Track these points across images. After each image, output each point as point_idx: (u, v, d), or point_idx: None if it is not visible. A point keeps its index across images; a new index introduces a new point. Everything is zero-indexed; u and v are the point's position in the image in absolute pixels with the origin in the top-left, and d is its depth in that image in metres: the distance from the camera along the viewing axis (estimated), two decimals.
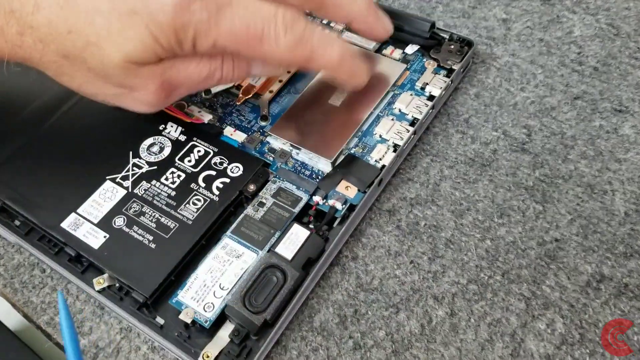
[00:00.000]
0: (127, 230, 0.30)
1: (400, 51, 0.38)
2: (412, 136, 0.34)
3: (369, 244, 0.31)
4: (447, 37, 0.38)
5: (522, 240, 0.31)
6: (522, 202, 0.33)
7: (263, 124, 0.36)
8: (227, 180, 0.32)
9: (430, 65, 0.37)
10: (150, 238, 0.30)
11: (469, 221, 0.32)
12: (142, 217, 0.31)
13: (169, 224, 0.31)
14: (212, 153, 0.33)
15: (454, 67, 0.36)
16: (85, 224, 0.31)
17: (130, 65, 0.26)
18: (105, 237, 0.30)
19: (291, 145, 0.34)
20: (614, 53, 0.39)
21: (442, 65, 0.37)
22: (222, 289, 0.28)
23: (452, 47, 0.37)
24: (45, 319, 0.30)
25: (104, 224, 0.31)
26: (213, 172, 0.32)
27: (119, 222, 0.31)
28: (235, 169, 0.33)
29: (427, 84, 0.36)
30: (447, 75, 0.36)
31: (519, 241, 0.31)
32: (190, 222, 0.31)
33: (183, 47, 0.26)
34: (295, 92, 0.37)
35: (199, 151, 0.34)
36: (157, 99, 0.28)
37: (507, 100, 0.37)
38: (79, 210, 0.31)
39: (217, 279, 0.29)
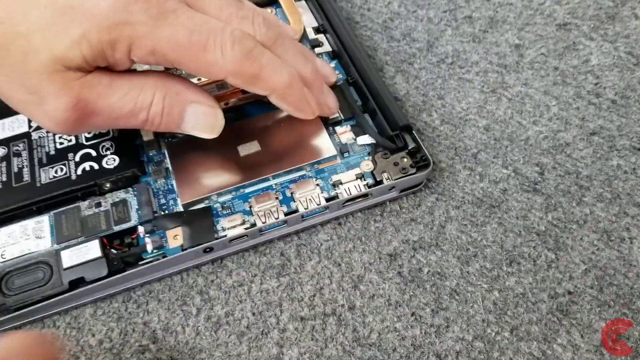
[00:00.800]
0: None
1: (352, 136, 0.33)
2: (283, 225, 0.31)
3: (368, 292, 0.29)
4: (411, 148, 0.32)
5: (532, 292, 0.29)
6: (533, 248, 0.30)
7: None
8: (96, 167, 0.31)
9: (367, 167, 0.32)
10: (4, 179, 0.31)
11: (476, 269, 0.30)
12: (17, 157, 0.32)
13: (24, 176, 0.31)
14: (110, 135, 0.33)
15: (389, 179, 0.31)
16: None
17: (52, 65, 0.24)
18: None
19: (168, 169, 0.32)
20: (634, 85, 0.36)
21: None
22: (1, 256, 0.28)
23: (405, 160, 0.32)
24: None
25: None
26: (93, 153, 0.32)
27: (0, 152, 0.32)
28: (111, 161, 0.32)
29: (341, 182, 0.31)
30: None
31: (529, 293, 0.29)
32: (37, 185, 0.31)
33: (115, 52, 0.24)
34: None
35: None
36: (66, 119, 0.25)
37: (519, 135, 0.34)
38: None
39: (7, 245, 0.29)
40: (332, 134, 0.33)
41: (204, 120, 0.28)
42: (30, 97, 0.25)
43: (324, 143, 0.32)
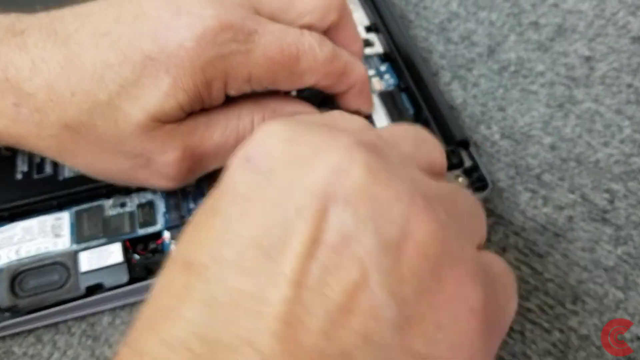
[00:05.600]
0: (20, 150, 0.28)
1: None
2: None
3: None
4: (468, 167, 0.29)
5: (597, 336, 0.26)
6: (600, 286, 0.27)
7: None
8: None
9: None
10: (25, 169, 0.28)
11: (536, 305, 0.27)
12: None
13: (46, 167, 0.28)
14: None
15: None
16: None
17: (149, 123, 0.22)
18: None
19: None
20: None
21: None
22: (16, 253, 0.26)
23: (461, 180, 0.29)
24: None
25: None
26: None
27: None
28: None
29: None
30: None
31: (593, 336, 0.26)
32: (60, 178, 0.28)
33: (212, 91, 0.23)
34: None
35: None
36: (178, 172, 0.24)
37: (588, 156, 0.31)
38: None
39: (23, 241, 0.26)
40: None
41: None
42: (133, 163, 0.24)
43: None
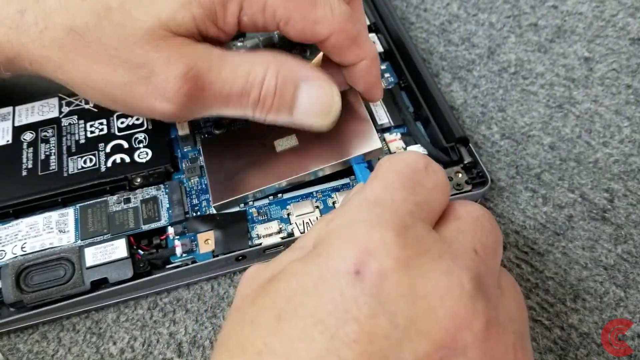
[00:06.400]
0: (25, 147, 0.29)
1: (402, 145, 0.31)
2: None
3: None
4: (467, 163, 0.29)
5: (597, 333, 0.26)
6: (600, 284, 0.27)
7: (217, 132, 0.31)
8: (128, 160, 0.29)
9: None
10: (30, 166, 0.29)
11: (536, 302, 0.27)
12: (44, 144, 0.30)
13: (51, 164, 0.29)
14: (144, 127, 0.30)
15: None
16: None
17: (158, 31, 0.22)
18: (8, 141, 0.30)
19: (202, 167, 0.30)
20: None
21: None
22: (22, 249, 0.26)
23: (460, 175, 0.29)
24: None
25: (16, 132, 0.30)
26: (125, 145, 0.30)
27: (28, 136, 0.30)
28: (143, 155, 0.29)
29: None
30: None
31: (594, 334, 0.26)
32: (64, 174, 0.28)
33: (227, 12, 0.22)
34: None
35: (137, 119, 0.31)
36: (177, 91, 0.22)
37: (587, 156, 0.31)
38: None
39: (28, 237, 0.27)
40: (380, 140, 0.30)
41: (318, 100, 0.25)
42: (135, 74, 0.22)
43: (368, 135, 0.28)
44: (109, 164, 0.29)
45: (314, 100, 0.25)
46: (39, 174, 0.28)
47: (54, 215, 0.27)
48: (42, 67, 0.24)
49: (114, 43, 0.22)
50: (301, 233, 0.27)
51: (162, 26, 0.22)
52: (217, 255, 0.27)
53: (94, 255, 0.26)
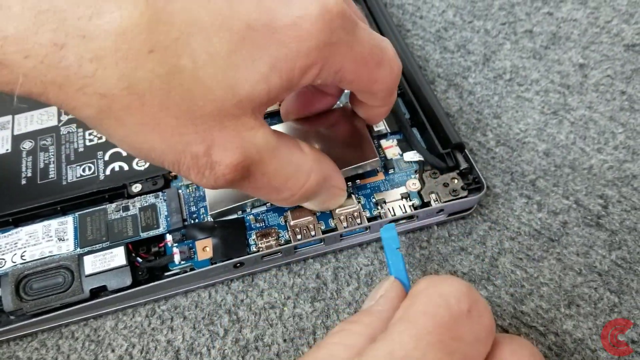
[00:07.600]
0: (24, 155, 0.30)
1: (398, 151, 0.31)
2: (320, 243, 0.28)
3: None
4: (463, 169, 0.30)
5: (592, 339, 0.26)
6: (594, 290, 0.27)
7: None
8: (126, 168, 0.30)
9: (413, 186, 0.29)
10: (29, 174, 0.29)
11: (531, 309, 0.27)
12: (43, 152, 0.30)
13: (50, 172, 0.29)
14: None
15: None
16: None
17: (232, 109, 0.19)
18: (7, 150, 0.30)
19: None
20: None
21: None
22: (21, 257, 0.27)
23: (456, 182, 0.29)
24: None
25: (15, 140, 0.31)
26: (123, 153, 0.30)
27: (27, 145, 0.30)
28: (142, 163, 0.30)
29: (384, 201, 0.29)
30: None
31: (588, 339, 0.26)
32: (63, 183, 0.29)
33: (304, 78, 0.20)
34: None
35: None
36: (224, 177, 0.20)
37: (582, 162, 0.32)
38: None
39: (27, 245, 0.27)
40: (376, 147, 0.31)
41: (329, 205, 0.27)
42: (188, 148, 0.19)
43: (366, 148, 0.29)
44: (108, 172, 0.29)
45: (326, 204, 0.27)
46: (38, 182, 0.29)
47: (53, 223, 0.28)
48: (73, 111, 0.18)
49: (175, 112, 0.18)
50: (298, 240, 0.28)
51: (236, 104, 0.18)
52: (215, 263, 0.27)
53: (93, 263, 0.26)
